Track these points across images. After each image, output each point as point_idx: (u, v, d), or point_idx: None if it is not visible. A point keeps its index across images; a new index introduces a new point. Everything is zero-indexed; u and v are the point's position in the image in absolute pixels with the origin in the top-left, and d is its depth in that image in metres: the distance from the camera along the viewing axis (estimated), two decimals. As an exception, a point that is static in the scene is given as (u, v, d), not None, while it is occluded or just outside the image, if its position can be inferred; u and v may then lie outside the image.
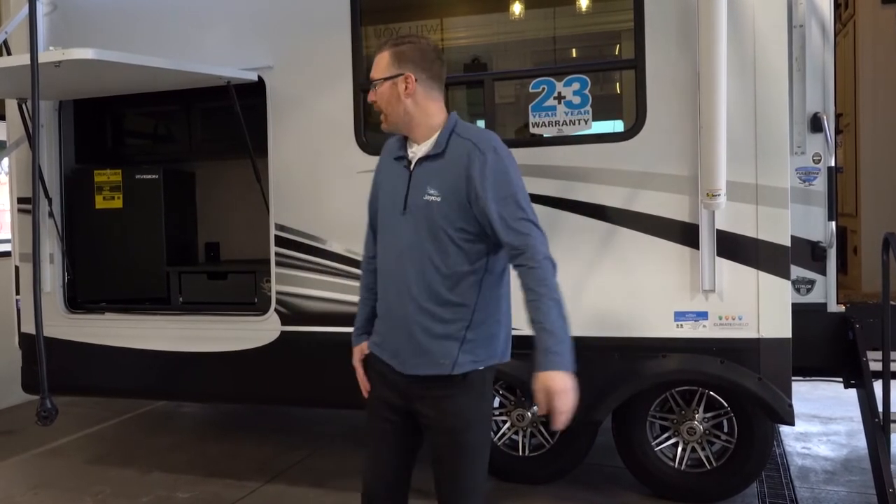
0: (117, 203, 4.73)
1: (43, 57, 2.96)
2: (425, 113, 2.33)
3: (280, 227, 4.17)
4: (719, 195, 3.20)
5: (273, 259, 4.18)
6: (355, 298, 3.89)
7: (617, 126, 4.03)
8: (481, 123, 3.85)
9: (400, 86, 2.31)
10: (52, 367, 4.55)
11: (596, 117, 3.72)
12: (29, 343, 4.64)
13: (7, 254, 4.86)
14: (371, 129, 4.14)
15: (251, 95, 4.20)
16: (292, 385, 4.19)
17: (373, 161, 3.92)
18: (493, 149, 2.25)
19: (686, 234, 3.57)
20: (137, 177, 4.75)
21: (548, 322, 2.14)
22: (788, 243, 3.47)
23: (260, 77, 4.14)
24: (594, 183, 3.67)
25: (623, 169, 3.63)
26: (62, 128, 4.66)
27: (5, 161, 5.35)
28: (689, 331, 3.59)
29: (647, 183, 3.60)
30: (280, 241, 4.16)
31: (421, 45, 2.36)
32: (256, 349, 4.19)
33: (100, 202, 4.73)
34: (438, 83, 2.37)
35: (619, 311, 3.67)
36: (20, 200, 4.70)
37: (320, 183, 4.10)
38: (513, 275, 2.28)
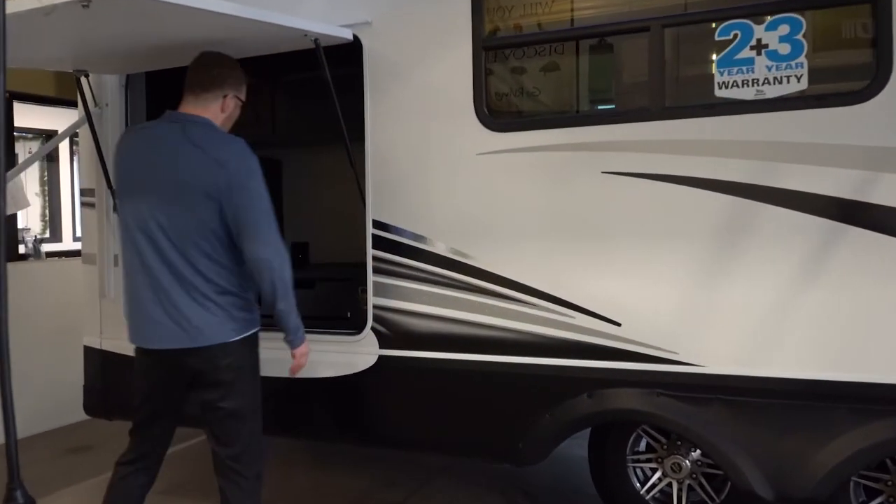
0: (192, 196, 4.13)
1: (65, -5, 2.29)
2: None
3: (379, 226, 3.49)
4: None
5: (370, 265, 3.52)
6: (477, 318, 3.30)
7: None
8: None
9: None
10: (118, 387, 4.06)
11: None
12: (92, 358, 4.14)
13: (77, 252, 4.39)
14: (495, 100, 3.40)
15: (346, 64, 3.53)
16: (392, 424, 3.58)
17: (497, 139, 3.21)
18: None
19: (954, 238, 2.63)
20: (214, 166, 4.14)
21: None
22: None
23: (356, 37, 3.45)
24: (810, 164, 2.80)
25: (854, 144, 2.74)
26: (129, 107, 4.09)
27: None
28: (957, 376, 2.64)
29: (891, 163, 2.68)
30: (379, 243, 3.50)
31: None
32: (347, 377, 3.55)
33: (172, 195, 4.14)
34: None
35: (847, 346, 2.79)
36: (83, 193, 4.22)
37: (430, 169, 3.44)
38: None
